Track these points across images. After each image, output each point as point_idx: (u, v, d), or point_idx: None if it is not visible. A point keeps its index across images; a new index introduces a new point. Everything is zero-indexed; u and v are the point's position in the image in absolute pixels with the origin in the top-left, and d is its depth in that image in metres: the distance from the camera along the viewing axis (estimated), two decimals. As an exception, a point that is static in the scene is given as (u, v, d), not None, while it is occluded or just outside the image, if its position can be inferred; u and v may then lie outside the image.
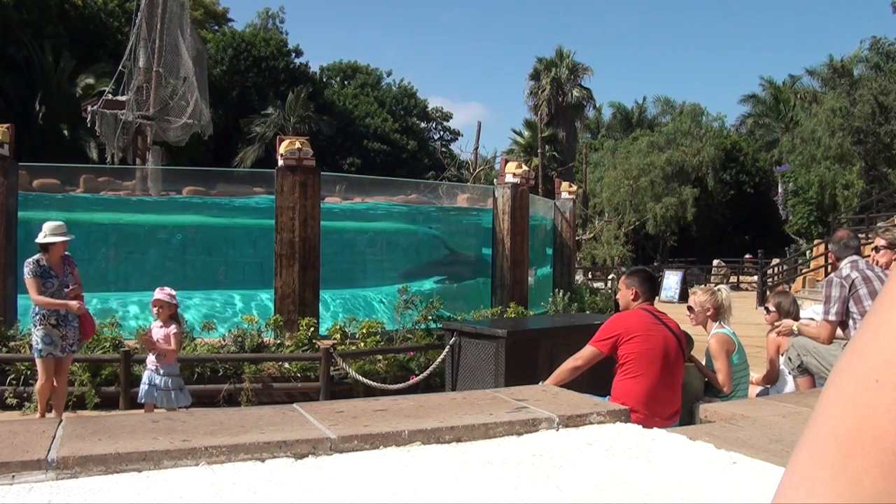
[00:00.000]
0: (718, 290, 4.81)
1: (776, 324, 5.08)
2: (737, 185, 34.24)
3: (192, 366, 7.11)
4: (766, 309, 5.44)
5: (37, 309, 5.52)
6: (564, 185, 14.21)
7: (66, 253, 5.74)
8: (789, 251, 26.31)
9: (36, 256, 5.55)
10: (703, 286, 5.08)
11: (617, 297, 4.45)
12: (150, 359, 5.34)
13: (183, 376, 7.05)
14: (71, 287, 5.66)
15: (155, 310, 5.43)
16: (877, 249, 4.92)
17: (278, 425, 2.03)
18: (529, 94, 42.12)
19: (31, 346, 5.77)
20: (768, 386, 5.26)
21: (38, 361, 5.63)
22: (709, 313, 4.64)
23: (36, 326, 5.52)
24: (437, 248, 13.41)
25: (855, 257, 4.66)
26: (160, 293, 5.43)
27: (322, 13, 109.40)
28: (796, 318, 5.24)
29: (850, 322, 4.49)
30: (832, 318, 4.50)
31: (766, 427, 2.24)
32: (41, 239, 5.57)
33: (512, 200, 10.73)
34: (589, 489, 1.68)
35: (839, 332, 4.58)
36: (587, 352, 3.83)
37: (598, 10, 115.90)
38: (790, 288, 17.74)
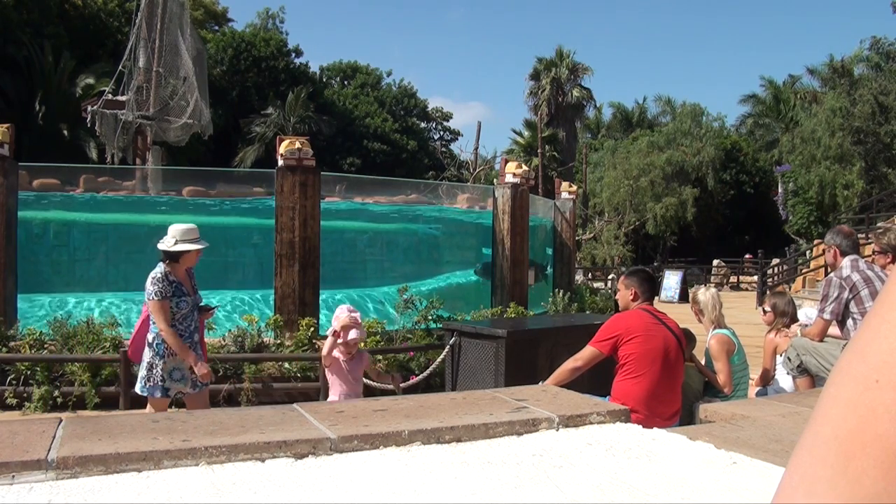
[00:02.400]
0: (703, 293, 4.85)
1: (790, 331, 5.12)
2: (737, 185, 34.24)
3: (192, 366, 7.11)
4: (763, 310, 5.48)
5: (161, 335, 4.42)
6: (564, 185, 14.21)
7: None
8: (789, 251, 26.30)
9: (162, 269, 4.40)
10: (700, 288, 5.13)
11: (616, 297, 4.46)
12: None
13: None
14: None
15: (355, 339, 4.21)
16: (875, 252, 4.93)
17: (278, 425, 2.03)
18: (529, 94, 42.16)
19: (140, 377, 4.48)
20: (768, 386, 5.27)
21: (152, 402, 4.44)
22: (696, 312, 4.75)
23: (162, 357, 4.39)
24: (436, 248, 13.42)
25: (855, 256, 4.66)
26: (353, 314, 4.22)
27: (322, 13, 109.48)
28: (793, 319, 5.26)
29: (851, 322, 4.49)
30: (827, 316, 4.52)
31: (766, 427, 2.24)
32: (169, 246, 4.46)
33: (512, 200, 10.73)
34: (589, 489, 1.68)
35: (838, 332, 4.58)
36: (587, 352, 3.83)
37: (598, 10, 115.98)
38: (790, 288, 17.74)
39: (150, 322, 4.46)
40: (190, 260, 4.54)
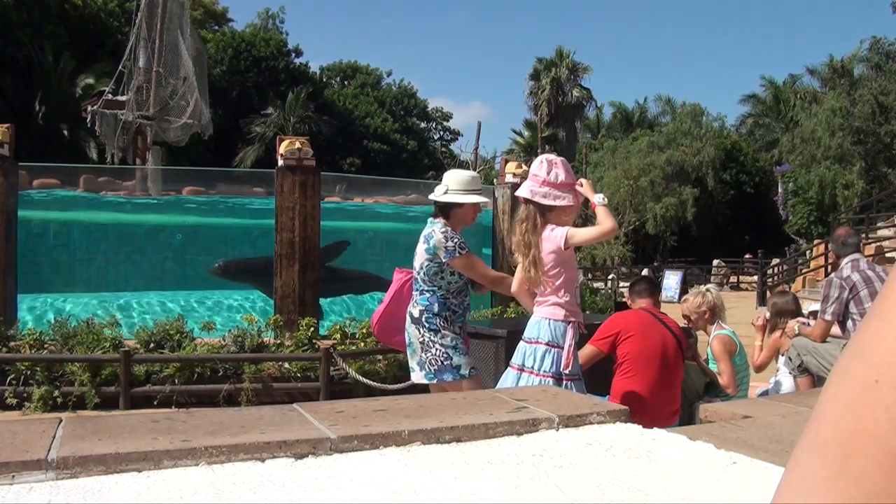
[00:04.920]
0: (707, 290, 4.83)
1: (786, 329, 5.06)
2: (737, 185, 34.23)
3: (192, 366, 7.11)
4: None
5: (436, 307, 3.63)
6: (564, 185, 14.16)
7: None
8: (789, 251, 26.31)
9: (443, 226, 3.58)
10: (693, 290, 5.06)
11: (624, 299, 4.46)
12: None
13: (183, 376, 7.10)
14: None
15: None
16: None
17: (278, 425, 2.03)
18: (529, 94, 42.18)
19: (419, 362, 3.69)
20: (768, 387, 5.27)
21: (468, 384, 3.61)
22: (705, 316, 4.67)
23: (438, 331, 3.62)
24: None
25: (856, 256, 4.67)
26: None
27: (322, 13, 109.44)
28: (794, 316, 5.24)
29: (850, 323, 4.50)
30: (828, 317, 4.52)
31: (766, 427, 2.24)
32: (443, 195, 3.60)
33: (512, 200, 10.72)
34: (589, 489, 1.68)
35: (839, 331, 4.59)
36: (587, 351, 3.83)
37: (598, 10, 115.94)
38: (790, 288, 17.74)
39: (416, 293, 3.71)
40: (464, 217, 3.67)
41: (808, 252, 21.74)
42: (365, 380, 7.13)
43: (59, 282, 11.04)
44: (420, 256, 3.65)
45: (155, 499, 1.59)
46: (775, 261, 23.94)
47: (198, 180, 13.74)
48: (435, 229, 3.59)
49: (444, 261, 3.56)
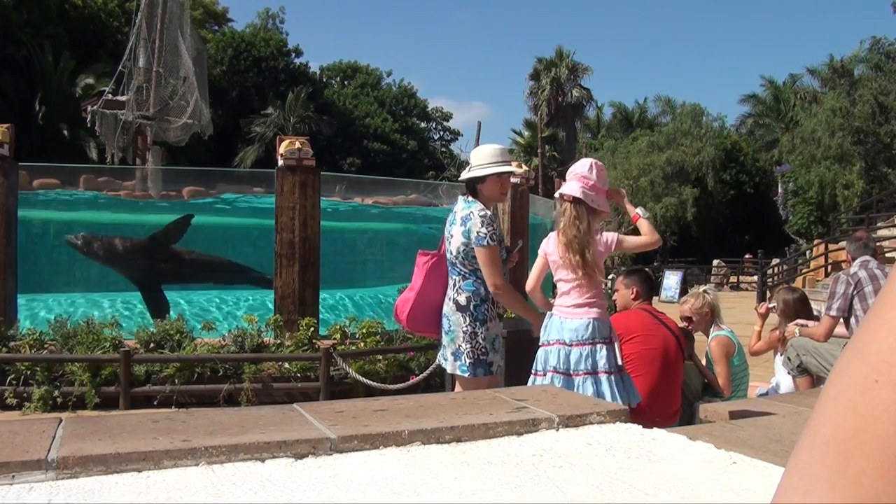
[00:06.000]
0: (705, 291, 4.82)
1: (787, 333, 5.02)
2: (737, 185, 34.22)
3: (193, 366, 7.12)
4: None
5: (482, 291, 3.39)
6: (564, 185, 14.16)
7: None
8: (789, 251, 26.30)
9: (481, 208, 3.38)
10: (692, 290, 5.02)
11: (614, 297, 4.46)
12: None
13: (183, 376, 7.10)
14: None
15: None
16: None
17: (278, 425, 2.03)
18: (529, 94, 42.19)
19: (455, 352, 3.44)
20: (768, 387, 5.26)
21: (474, 384, 3.33)
22: (707, 317, 4.67)
23: (484, 323, 3.40)
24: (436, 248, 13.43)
25: (868, 257, 4.68)
26: None
27: (322, 13, 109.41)
28: (796, 317, 5.21)
29: (854, 320, 4.50)
30: (833, 313, 4.52)
31: (766, 427, 2.24)
32: (466, 173, 3.47)
33: (512, 200, 10.72)
34: (589, 489, 1.68)
35: (844, 331, 4.57)
36: (587, 352, 3.82)
37: (598, 11, 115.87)
38: (790, 288, 17.69)
39: (458, 279, 3.44)
40: (491, 193, 3.46)
41: (808, 252, 21.74)
42: (365, 380, 7.13)
43: (59, 282, 11.05)
44: (457, 239, 3.41)
45: (155, 499, 1.59)
46: (775, 261, 23.94)
47: (198, 180, 13.75)
48: (473, 211, 3.38)
49: (473, 245, 3.38)
